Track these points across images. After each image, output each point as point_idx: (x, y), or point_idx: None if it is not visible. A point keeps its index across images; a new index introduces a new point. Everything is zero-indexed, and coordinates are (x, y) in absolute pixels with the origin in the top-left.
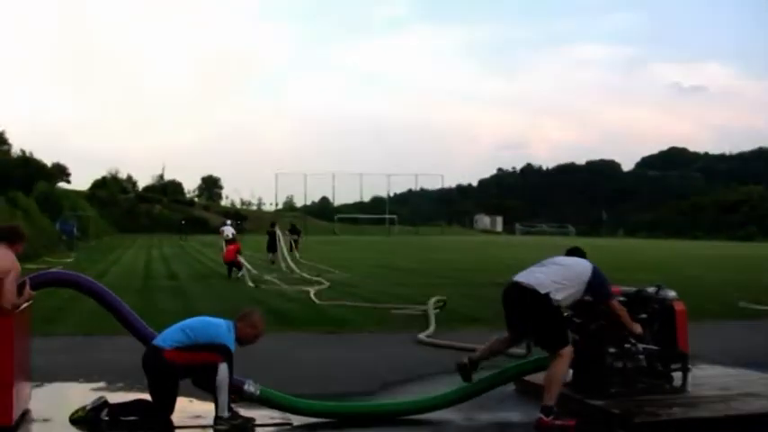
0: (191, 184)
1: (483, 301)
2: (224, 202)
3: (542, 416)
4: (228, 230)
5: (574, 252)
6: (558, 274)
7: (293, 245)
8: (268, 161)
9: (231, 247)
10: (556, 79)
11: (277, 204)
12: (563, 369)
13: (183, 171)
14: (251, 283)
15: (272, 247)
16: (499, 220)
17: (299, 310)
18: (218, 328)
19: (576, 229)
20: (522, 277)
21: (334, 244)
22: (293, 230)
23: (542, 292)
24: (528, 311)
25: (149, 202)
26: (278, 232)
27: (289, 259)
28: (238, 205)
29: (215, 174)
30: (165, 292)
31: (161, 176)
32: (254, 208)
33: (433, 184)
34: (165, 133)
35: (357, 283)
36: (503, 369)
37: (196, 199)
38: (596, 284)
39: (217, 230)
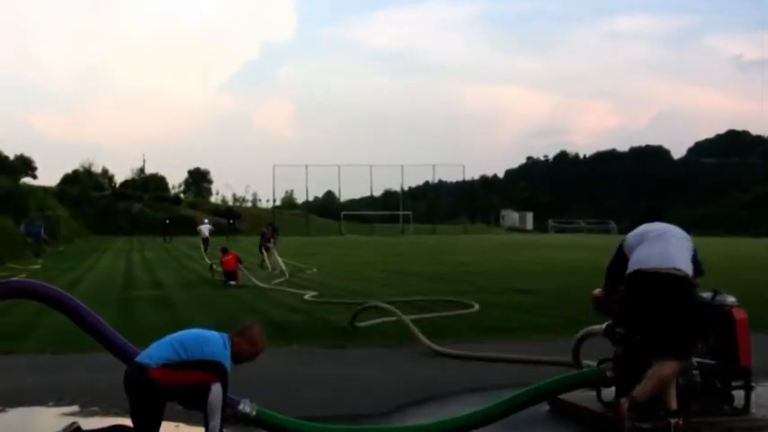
0: (176, 179)
1: (511, 309)
2: (214, 199)
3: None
4: (206, 229)
5: (653, 212)
6: (683, 247)
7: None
8: (264, 152)
9: (230, 257)
10: (595, 55)
11: (275, 201)
12: (674, 371)
13: (166, 163)
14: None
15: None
16: (529, 216)
17: (300, 320)
18: (213, 343)
19: (617, 226)
20: (665, 261)
21: (340, 246)
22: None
23: (689, 277)
24: (676, 306)
25: (128, 199)
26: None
27: (275, 263)
28: (230, 202)
29: (203, 166)
30: (149, 303)
31: (141, 170)
32: (249, 205)
33: (452, 176)
34: (146, 119)
35: (363, 288)
36: (539, 384)
37: (182, 195)
38: (696, 258)
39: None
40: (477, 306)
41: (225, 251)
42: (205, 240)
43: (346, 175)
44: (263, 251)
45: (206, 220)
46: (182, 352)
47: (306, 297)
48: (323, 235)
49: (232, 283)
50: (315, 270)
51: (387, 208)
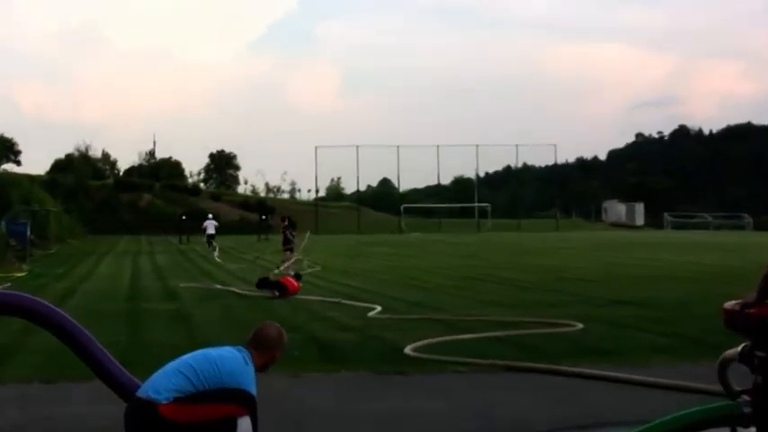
0: (194, 164)
1: (618, 326)
2: (242, 189)
3: None
4: (211, 225)
5: None
6: None
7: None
8: (304, 131)
9: (293, 282)
10: (722, 5)
11: (317, 191)
12: None
13: (182, 146)
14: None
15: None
16: (639, 208)
17: (351, 340)
18: (232, 362)
19: (754, 220)
20: None
21: (400, 246)
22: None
23: None
24: None
25: (135, 189)
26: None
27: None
28: (263, 193)
29: (228, 149)
30: (161, 319)
31: (151, 153)
32: (286, 196)
33: (541, 159)
34: (156, 92)
35: (427, 299)
36: (654, 423)
37: (202, 185)
38: None
39: (234, 228)
40: (580, 325)
41: (298, 277)
42: (210, 237)
43: (407, 158)
44: (287, 250)
45: (210, 215)
46: (195, 380)
47: (371, 314)
48: (378, 232)
49: (276, 292)
50: (317, 268)
51: (458, 199)
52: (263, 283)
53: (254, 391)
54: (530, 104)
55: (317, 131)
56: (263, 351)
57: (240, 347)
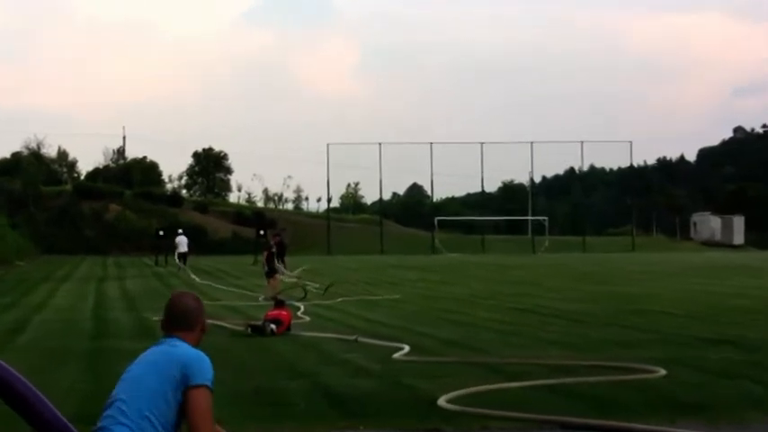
0: (174, 166)
1: (711, 373)
2: (235, 197)
3: None
4: (184, 241)
5: None
6: None
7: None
8: (313, 124)
9: (283, 313)
10: None
11: (330, 200)
12: None
13: (159, 142)
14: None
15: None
16: (738, 222)
17: (372, 388)
18: (196, 370)
19: None
20: None
21: (433, 270)
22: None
23: None
24: None
25: (100, 198)
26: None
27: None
28: (261, 202)
29: (217, 146)
30: (131, 361)
31: (120, 152)
32: (290, 206)
33: (612, 160)
34: (127, 74)
35: (465, 337)
36: None
37: (184, 192)
38: None
39: (224, 247)
40: (661, 371)
41: (279, 304)
42: (183, 256)
43: (443, 158)
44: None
45: (180, 230)
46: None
47: (397, 355)
48: (405, 252)
49: (272, 326)
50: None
51: (507, 211)
52: (258, 330)
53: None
54: (599, 91)
55: (328, 124)
56: (191, 328)
57: (168, 341)
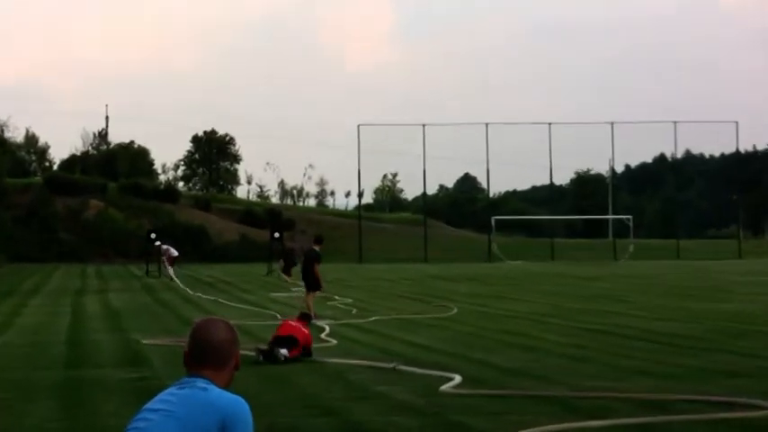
0: (169, 153)
1: None
2: (244, 192)
3: None
4: (172, 249)
5: None
6: None
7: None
8: (341, 100)
9: (296, 324)
10: None
11: (361, 194)
12: None
13: (150, 123)
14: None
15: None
16: None
17: (411, 427)
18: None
19: None
20: None
21: (489, 281)
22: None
23: None
24: None
25: (77, 192)
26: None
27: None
28: (275, 198)
29: (222, 129)
30: (116, 395)
31: (102, 135)
32: (312, 203)
33: (715, 145)
34: (111, 39)
35: (529, 365)
36: None
37: (181, 185)
38: None
39: (231, 253)
40: None
41: (304, 318)
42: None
43: (501, 143)
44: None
45: (153, 235)
46: None
47: (445, 387)
48: (455, 259)
49: (283, 352)
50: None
51: (582, 208)
52: (267, 356)
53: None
54: (697, 60)
55: (359, 101)
56: (222, 365)
57: (193, 382)
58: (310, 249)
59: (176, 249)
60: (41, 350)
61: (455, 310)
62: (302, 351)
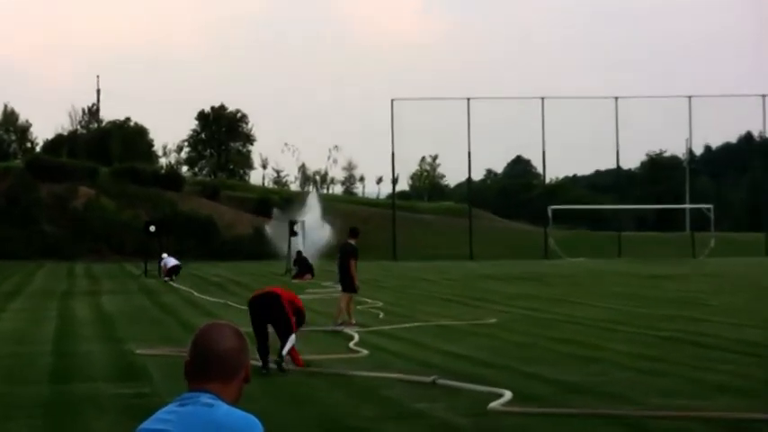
0: (171, 132)
1: None
2: (257, 177)
3: None
4: (170, 261)
5: None
6: None
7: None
8: (370, 73)
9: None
10: None
11: (395, 181)
12: None
13: (149, 97)
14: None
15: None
16: None
17: None
18: None
19: None
20: None
21: (545, 282)
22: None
23: None
24: None
25: (64, 177)
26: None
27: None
28: (294, 184)
29: (232, 104)
30: (109, 415)
31: (92, 112)
32: (338, 190)
33: None
34: (102, 8)
35: (592, 381)
36: None
37: (185, 169)
38: None
39: (242, 248)
40: None
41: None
42: (175, 269)
43: (558, 120)
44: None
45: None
46: None
47: (494, 405)
48: (506, 255)
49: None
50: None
51: (655, 195)
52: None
53: None
54: None
55: (392, 73)
56: (230, 378)
57: (197, 398)
58: (345, 243)
59: (175, 258)
60: (23, 362)
61: (493, 319)
62: (296, 314)
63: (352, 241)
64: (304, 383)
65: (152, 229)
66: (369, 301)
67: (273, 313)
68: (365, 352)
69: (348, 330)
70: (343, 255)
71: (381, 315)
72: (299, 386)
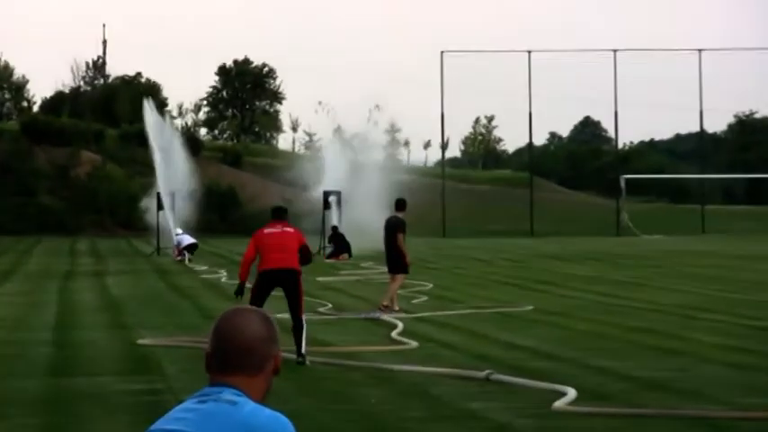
0: (187, 89)
1: None
2: (286, 142)
3: None
4: (185, 239)
5: None
6: None
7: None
8: (416, 23)
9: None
10: None
11: (445, 146)
12: None
13: (161, 51)
14: None
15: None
16: None
17: None
18: None
19: None
20: None
21: (621, 262)
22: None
23: None
24: None
25: (65, 141)
26: None
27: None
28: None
29: (258, 58)
30: (117, 413)
31: (97, 66)
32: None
33: None
34: None
35: (680, 377)
36: None
37: (204, 132)
38: None
39: (264, 222)
40: None
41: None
42: (190, 247)
43: (632, 76)
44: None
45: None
46: None
47: (558, 404)
48: (572, 232)
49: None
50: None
51: (745, 163)
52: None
53: None
54: None
55: (442, 22)
56: (257, 370)
57: (219, 393)
58: (391, 217)
59: (191, 234)
60: (19, 352)
61: (557, 306)
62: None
63: (400, 214)
64: (342, 379)
65: (166, 202)
66: (414, 283)
67: (289, 293)
68: (414, 344)
69: (387, 317)
70: (390, 229)
71: (424, 298)
72: (336, 382)
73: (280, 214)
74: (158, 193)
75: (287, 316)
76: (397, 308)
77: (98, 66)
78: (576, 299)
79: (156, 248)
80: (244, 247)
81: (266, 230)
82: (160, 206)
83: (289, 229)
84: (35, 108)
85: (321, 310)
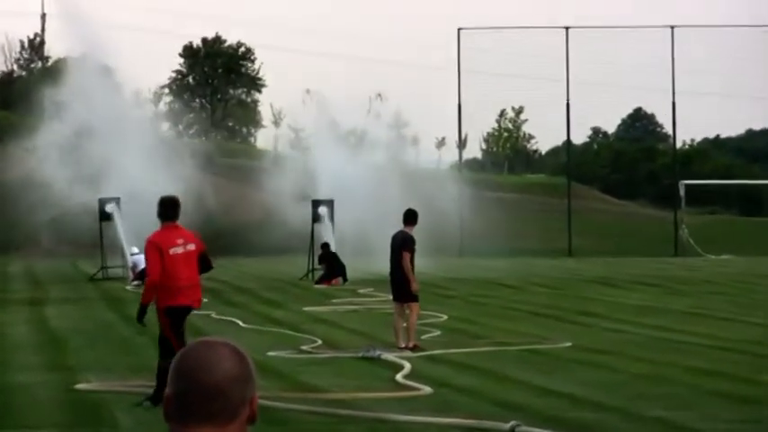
0: (144, 74)
1: None
2: (267, 139)
3: None
4: (143, 260)
5: None
6: None
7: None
8: None
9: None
10: None
11: (462, 143)
12: None
13: (114, 26)
14: None
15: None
16: None
17: None
18: None
19: None
20: None
21: (680, 287)
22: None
23: None
24: None
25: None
26: None
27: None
28: (318, 151)
29: (232, 36)
30: None
31: (34, 47)
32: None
33: None
34: None
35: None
36: None
37: (165, 126)
38: None
39: (245, 239)
40: None
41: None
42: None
43: (691, 56)
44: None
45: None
46: None
47: None
48: (620, 252)
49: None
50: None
51: None
52: None
53: None
54: None
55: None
56: (229, 418)
57: None
58: (399, 232)
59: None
60: None
61: (601, 342)
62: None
63: (408, 229)
64: (336, 431)
65: (109, 209)
66: (425, 313)
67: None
68: (426, 389)
69: (388, 356)
70: (396, 248)
71: (436, 333)
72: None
73: (174, 212)
74: (100, 200)
75: (272, 354)
76: (402, 344)
77: (35, 45)
78: (625, 333)
79: (100, 268)
80: (218, 271)
81: (169, 247)
82: (103, 216)
83: (190, 245)
84: None
85: (305, 347)
